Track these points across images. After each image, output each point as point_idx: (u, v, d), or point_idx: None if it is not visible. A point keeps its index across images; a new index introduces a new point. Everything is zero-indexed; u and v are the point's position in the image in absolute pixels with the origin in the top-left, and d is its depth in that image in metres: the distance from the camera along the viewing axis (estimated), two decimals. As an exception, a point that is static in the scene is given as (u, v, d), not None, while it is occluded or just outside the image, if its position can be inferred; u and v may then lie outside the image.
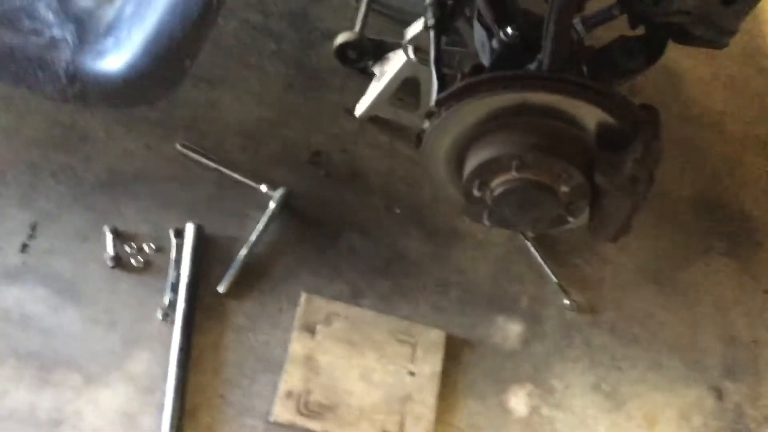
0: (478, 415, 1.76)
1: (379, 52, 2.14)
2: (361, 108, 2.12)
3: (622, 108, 1.36)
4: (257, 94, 2.10)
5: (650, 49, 1.56)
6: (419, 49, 1.96)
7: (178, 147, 1.91)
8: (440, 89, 1.49)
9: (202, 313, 1.71)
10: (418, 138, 1.47)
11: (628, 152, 1.33)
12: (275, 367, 1.68)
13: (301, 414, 1.62)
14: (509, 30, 1.41)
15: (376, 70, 2.13)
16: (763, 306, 2.13)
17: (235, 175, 1.89)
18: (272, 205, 1.85)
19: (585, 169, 1.37)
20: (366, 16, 2.21)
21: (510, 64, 1.41)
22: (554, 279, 1.98)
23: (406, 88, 2.07)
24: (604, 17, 1.58)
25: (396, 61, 2.05)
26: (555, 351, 1.90)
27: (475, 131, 1.40)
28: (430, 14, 1.61)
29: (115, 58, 1.14)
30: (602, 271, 2.08)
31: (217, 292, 1.73)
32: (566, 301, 1.96)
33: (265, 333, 1.73)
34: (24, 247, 1.69)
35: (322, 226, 1.92)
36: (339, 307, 1.78)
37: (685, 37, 1.52)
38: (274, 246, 1.85)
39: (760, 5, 1.51)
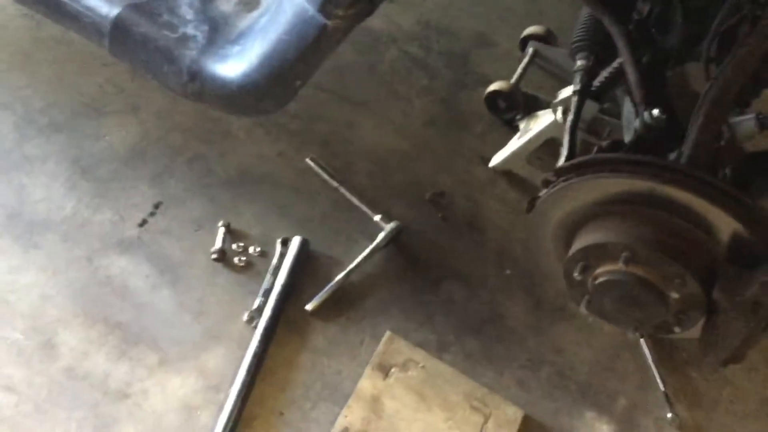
0: None
1: (530, 107, 2.08)
2: (497, 159, 2.06)
3: (761, 222, 1.21)
4: (397, 124, 2.10)
5: None
6: (568, 111, 1.88)
7: (308, 160, 1.94)
8: (568, 158, 1.41)
9: (286, 326, 1.71)
10: (531, 203, 1.38)
11: (758, 273, 1.17)
12: (340, 398, 1.64)
13: (352, 454, 1.57)
14: (655, 112, 1.30)
15: (522, 124, 2.06)
16: None
17: (354, 199, 1.90)
18: (381, 236, 1.83)
19: (704, 279, 1.22)
20: (526, 69, 2.15)
21: (649, 149, 1.30)
22: (661, 386, 1.80)
23: (547, 149, 1.99)
24: None
25: (543, 120, 1.97)
26: (643, 465, 1.72)
27: (590, 211, 1.30)
28: (577, 79, 1.53)
29: (235, 65, 1.17)
30: (720, 391, 1.86)
31: (305, 309, 1.73)
32: (669, 415, 1.77)
33: (340, 361, 1.70)
34: (143, 223, 1.79)
35: (425, 269, 1.87)
36: (420, 354, 1.72)
37: None
38: (373, 277, 1.83)
39: None
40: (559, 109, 1.89)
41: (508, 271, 1.91)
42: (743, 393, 1.86)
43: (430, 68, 2.23)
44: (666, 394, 1.79)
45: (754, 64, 1.14)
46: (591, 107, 1.65)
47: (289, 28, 1.13)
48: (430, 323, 1.80)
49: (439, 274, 1.87)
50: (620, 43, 1.35)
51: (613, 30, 1.36)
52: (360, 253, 1.81)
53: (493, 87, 2.13)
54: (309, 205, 1.90)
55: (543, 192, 1.36)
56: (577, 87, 1.54)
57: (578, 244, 1.31)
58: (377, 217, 1.86)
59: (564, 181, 1.30)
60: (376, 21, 2.27)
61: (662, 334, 1.35)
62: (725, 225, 1.22)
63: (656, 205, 1.24)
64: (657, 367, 1.82)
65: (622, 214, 1.27)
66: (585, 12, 1.57)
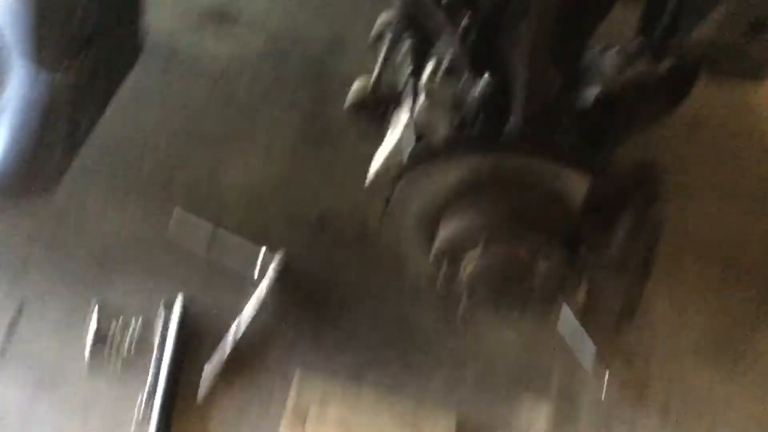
0: None
1: (397, 98, 1.98)
2: (376, 162, 1.96)
3: (609, 172, 1.13)
4: (266, 150, 1.98)
5: (674, 89, 1.32)
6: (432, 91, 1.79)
7: (175, 215, 1.80)
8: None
9: (185, 406, 1.58)
10: (384, 208, 1.29)
11: (619, 225, 1.10)
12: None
13: None
14: (485, 77, 1.21)
15: (393, 119, 1.96)
16: None
17: (234, 242, 1.77)
18: (268, 275, 1.72)
19: (569, 241, 1.14)
20: (386, 60, 2.06)
21: (492, 117, 1.21)
22: (594, 350, 1.72)
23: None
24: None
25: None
26: (591, 435, 1.65)
27: (441, 200, 1.21)
28: (407, 62, 1.43)
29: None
30: (653, 340, 1.80)
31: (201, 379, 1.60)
32: (607, 377, 1.70)
33: (254, 422, 1.58)
34: (9, 332, 1.63)
35: (325, 295, 1.77)
36: (336, 387, 1.61)
37: (715, 72, 1.28)
38: (271, 318, 1.71)
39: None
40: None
41: (410, 278, 1.81)
42: (676, 335, 1.81)
43: (289, 83, 2.12)
44: (600, 357, 1.71)
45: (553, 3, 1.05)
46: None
47: (23, 95, 1.01)
48: (342, 351, 1.69)
49: (340, 296, 1.77)
50: (437, 16, 1.27)
51: (428, 3, 1.27)
52: (249, 300, 1.69)
53: (355, 87, 2.03)
54: (186, 262, 1.76)
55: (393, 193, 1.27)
56: (410, 72, 1.45)
57: (438, 238, 1.22)
58: (261, 254, 1.74)
59: (407, 178, 1.21)
60: (222, 48, 2.16)
61: (548, 306, 1.27)
62: (576, 183, 1.14)
63: (504, 179, 1.16)
64: (585, 331, 1.74)
65: (472, 196, 1.18)
66: None
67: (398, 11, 1.47)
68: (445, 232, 1.20)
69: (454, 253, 1.22)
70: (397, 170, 1.24)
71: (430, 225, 1.25)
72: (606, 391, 1.68)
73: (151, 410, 1.53)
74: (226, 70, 2.10)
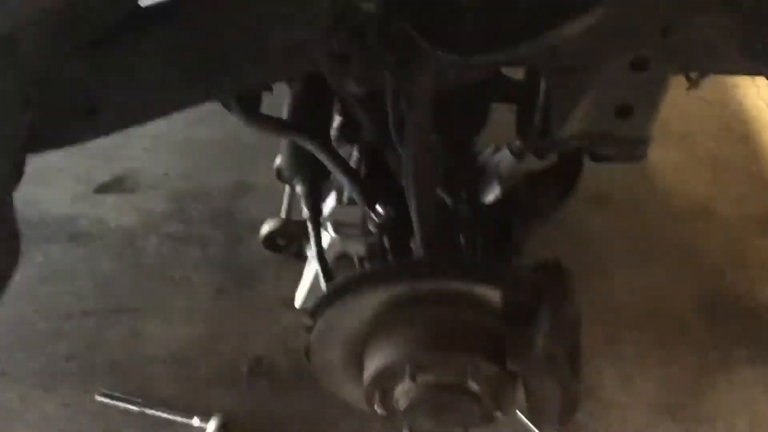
0: None
1: (308, 233, 1.99)
2: (299, 297, 1.94)
3: (514, 277, 1.15)
4: (185, 311, 1.93)
5: (563, 181, 1.37)
6: (340, 223, 1.80)
7: (98, 397, 1.72)
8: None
9: None
10: (306, 352, 1.26)
11: (536, 326, 1.11)
12: None
13: None
14: (378, 208, 1.24)
15: (309, 253, 1.96)
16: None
17: (163, 414, 1.69)
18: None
19: (495, 355, 1.14)
20: (292, 198, 2.08)
21: (394, 247, 1.23)
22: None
23: (344, 264, 1.89)
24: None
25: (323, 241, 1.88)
26: None
27: (362, 334, 1.19)
28: (304, 207, 1.46)
29: None
30: (607, 419, 1.78)
31: None
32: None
33: None
34: None
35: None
36: None
37: (597, 157, 1.33)
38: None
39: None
40: (329, 225, 1.81)
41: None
42: (629, 410, 1.80)
43: (197, 238, 2.10)
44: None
45: (428, 130, 1.09)
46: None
47: None
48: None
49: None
50: (323, 158, 1.30)
51: (312, 147, 1.30)
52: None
53: (265, 229, 2.03)
54: (119, 443, 1.67)
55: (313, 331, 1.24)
56: (308, 214, 1.47)
57: (365, 374, 1.20)
58: (195, 421, 1.66)
59: (324, 315, 1.19)
60: (126, 217, 2.14)
61: (490, 422, 1.24)
62: (489, 295, 1.15)
63: (418, 306, 1.16)
64: (536, 427, 1.71)
65: (390, 327, 1.17)
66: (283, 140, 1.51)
67: (287, 156, 1.49)
68: (370, 368, 1.18)
69: (384, 389, 1.20)
70: (314, 308, 1.22)
71: (356, 360, 1.22)
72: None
73: None
74: (132, 238, 2.08)
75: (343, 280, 1.20)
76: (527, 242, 1.41)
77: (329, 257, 1.87)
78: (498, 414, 1.21)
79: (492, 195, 1.54)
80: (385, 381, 1.17)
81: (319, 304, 1.20)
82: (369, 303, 1.16)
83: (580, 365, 1.16)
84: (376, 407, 1.19)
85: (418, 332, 1.15)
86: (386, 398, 1.19)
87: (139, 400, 1.70)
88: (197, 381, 1.79)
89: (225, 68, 1.07)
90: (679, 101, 2.03)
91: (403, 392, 1.17)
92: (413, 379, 1.14)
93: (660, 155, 2.41)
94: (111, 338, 1.85)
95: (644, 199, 2.33)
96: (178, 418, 1.67)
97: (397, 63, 0.99)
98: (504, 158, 1.59)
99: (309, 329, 1.23)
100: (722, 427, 1.77)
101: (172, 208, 2.15)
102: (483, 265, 1.15)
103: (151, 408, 1.69)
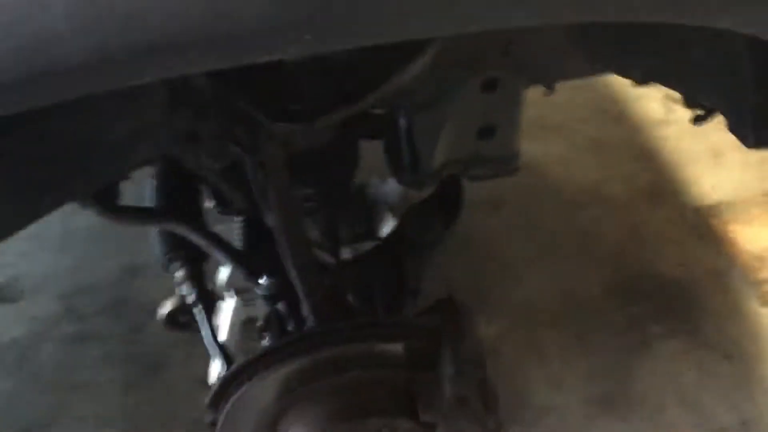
0: None
1: (210, 305, 1.91)
2: (213, 375, 1.85)
3: (407, 326, 1.13)
4: (95, 415, 1.81)
5: (446, 207, 1.36)
6: (240, 290, 1.74)
7: None
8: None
9: None
10: None
11: (440, 372, 1.08)
12: None
13: None
14: (261, 281, 1.20)
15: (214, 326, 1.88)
16: (733, 377, 1.85)
17: None
18: None
19: (408, 409, 1.11)
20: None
21: (291, 315, 1.18)
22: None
23: (251, 329, 1.83)
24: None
25: (225, 310, 1.81)
26: None
27: (270, 417, 1.14)
28: (187, 293, 1.39)
29: None
30: (543, 427, 1.78)
31: None
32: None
33: None
34: None
35: None
36: None
37: (473, 178, 1.33)
38: None
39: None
40: (229, 294, 1.74)
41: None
42: (564, 410, 1.80)
43: (95, 336, 1.99)
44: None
45: (288, 195, 1.06)
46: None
47: None
48: None
49: None
50: (195, 239, 1.24)
51: (183, 230, 1.24)
52: None
53: (164, 309, 1.93)
54: None
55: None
56: (192, 299, 1.41)
57: None
58: None
59: (229, 401, 1.13)
60: (15, 328, 2.00)
61: None
62: (391, 349, 1.12)
63: (319, 375, 1.11)
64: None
65: (295, 404, 1.12)
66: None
67: (159, 245, 1.42)
68: None
69: None
70: (211, 400, 1.15)
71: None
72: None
73: None
74: (24, 351, 1.94)
75: (235, 368, 1.14)
76: (423, 276, 1.39)
77: (235, 324, 1.81)
78: None
79: (387, 226, 1.52)
80: None
81: (215, 396, 1.14)
82: (268, 385, 1.11)
83: (494, 397, 1.14)
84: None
85: (325, 405, 1.10)
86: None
87: None
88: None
89: (71, 172, 1.00)
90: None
91: None
92: None
93: (542, 149, 2.46)
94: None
95: (536, 195, 2.36)
96: None
97: (244, 137, 0.95)
98: (391, 188, 1.58)
99: (212, 424, 1.16)
100: (653, 404, 1.80)
101: (61, 311, 2.03)
102: (375, 323, 1.12)
103: None
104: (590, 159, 2.46)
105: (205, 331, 1.38)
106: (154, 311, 1.98)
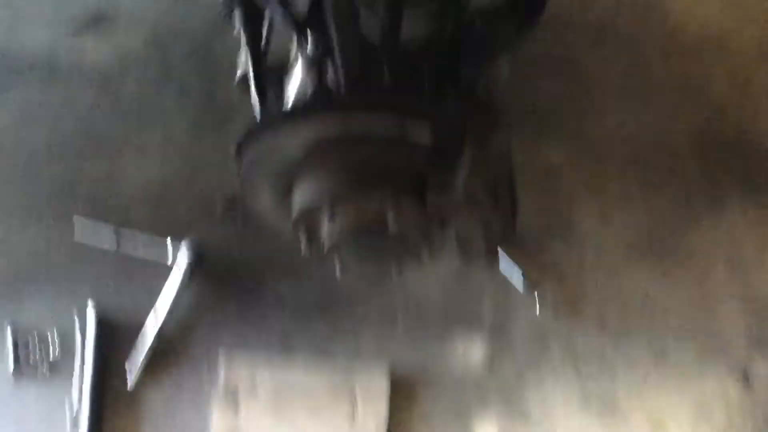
0: (438, 461, 1.51)
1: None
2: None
3: (437, 117, 1.09)
4: (162, 144, 1.93)
5: (522, 12, 1.27)
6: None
7: (77, 223, 1.76)
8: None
9: (113, 409, 1.56)
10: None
11: (458, 166, 1.06)
12: (198, 451, 1.50)
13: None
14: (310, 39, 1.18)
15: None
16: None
17: (140, 237, 1.73)
18: (181, 260, 1.67)
19: (416, 192, 1.10)
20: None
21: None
22: (521, 276, 1.68)
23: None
24: None
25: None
26: (529, 369, 1.61)
27: (290, 165, 1.16)
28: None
29: None
30: (582, 253, 1.76)
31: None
32: (537, 302, 1.66)
33: (185, 413, 1.56)
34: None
35: (243, 279, 1.73)
36: (263, 366, 1.58)
37: None
38: (191, 307, 1.67)
39: None
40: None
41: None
42: (606, 243, 1.76)
43: (177, 73, 2.04)
44: (528, 281, 1.67)
45: None
46: None
47: None
48: (268, 328, 1.66)
49: (259, 278, 1.73)
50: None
51: None
52: (165, 294, 1.65)
53: (240, 69, 1.96)
54: (97, 267, 1.73)
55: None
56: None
57: (293, 205, 1.18)
58: (168, 244, 1.70)
59: (254, 143, 1.16)
60: (104, 50, 2.08)
61: (418, 262, 1.23)
62: (418, 129, 1.09)
63: (345, 138, 1.11)
64: (510, 258, 1.69)
65: (317, 159, 1.13)
66: None
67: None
68: (297, 199, 1.16)
69: (310, 221, 1.18)
70: (238, 143, 1.19)
71: (285, 190, 1.20)
72: (540, 310, 1.64)
73: (81, 409, 1.52)
74: (110, 72, 2.04)
75: (265, 118, 1.15)
76: (480, 79, 1.32)
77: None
78: (425, 254, 1.20)
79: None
80: (311, 211, 1.15)
81: (243, 140, 1.17)
82: (299, 133, 1.13)
83: (511, 200, 1.12)
84: (302, 249, 1.18)
85: (342, 163, 1.11)
86: (313, 228, 1.18)
87: (115, 228, 1.73)
88: (173, 220, 1.80)
89: None
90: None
91: (326, 233, 1.15)
92: (335, 207, 1.12)
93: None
94: (91, 168, 1.88)
95: (649, 31, 2.17)
96: (153, 237, 1.70)
97: None
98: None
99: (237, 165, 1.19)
100: (700, 264, 1.73)
101: (151, 43, 2.09)
102: (414, 98, 1.10)
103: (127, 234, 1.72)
104: (721, 4, 2.21)
105: (252, 72, 1.38)
106: (235, 64, 2.03)
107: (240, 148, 1.18)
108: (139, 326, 1.63)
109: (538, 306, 1.65)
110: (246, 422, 1.51)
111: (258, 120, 1.25)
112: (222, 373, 1.56)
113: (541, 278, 1.69)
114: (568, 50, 2.11)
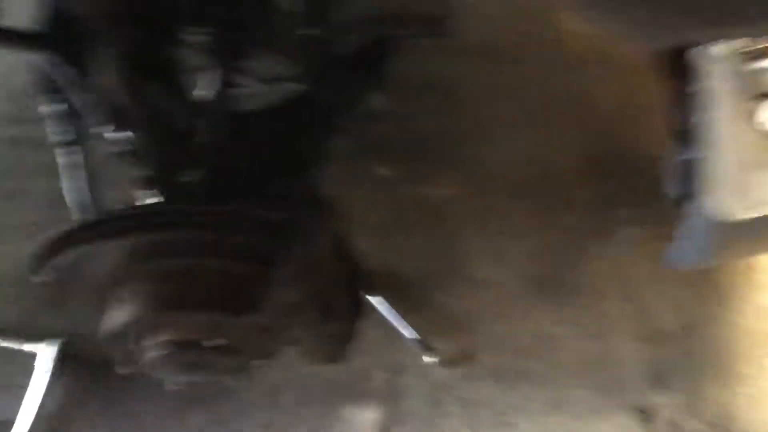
0: None
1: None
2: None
3: (249, 218, 1.00)
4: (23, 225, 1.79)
5: (366, 68, 1.19)
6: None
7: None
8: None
9: None
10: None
11: (276, 274, 0.97)
12: None
13: None
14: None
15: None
16: (687, 276, 1.71)
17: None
18: (39, 365, 1.55)
19: (235, 306, 1.01)
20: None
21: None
22: (409, 334, 1.61)
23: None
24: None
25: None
26: (425, 427, 1.54)
27: (106, 281, 1.05)
28: None
29: None
30: (474, 300, 1.70)
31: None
32: (427, 358, 1.59)
33: None
34: None
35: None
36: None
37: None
38: (59, 412, 1.55)
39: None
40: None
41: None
42: (498, 288, 1.71)
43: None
44: (418, 340, 1.61)
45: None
46: None
47: None
48: (141, 425, 1.54)
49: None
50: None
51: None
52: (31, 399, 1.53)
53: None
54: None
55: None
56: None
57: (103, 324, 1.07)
58: (27, 347, 1.57)
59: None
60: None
61: (247, 372, 1.14)
62: (230, 241, 1.00)
63: (152, 256, 1.01)
64: (398, 316, 1.63)
65: (124, 279, 1.03)
66: None
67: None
68: (110, 318, 1.05)
69: (126, 339, 1.07)
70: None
71: (100, 303, 1.09)
72: (433, 367, 1.58)
73: None
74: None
75: (64, 232, 1.04)
76: (332, 144, 1.24)
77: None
78: (255, 363, 1.11)
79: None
80: (119, 341, 1.05)
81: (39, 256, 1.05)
82: (97, 256, 1.02)
83: (339, 306, 1.03)
84: (116, 367, 1.08)
85: (155, 288, 1.01)
86: (127, 357, 1.08)
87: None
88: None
89: None
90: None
91: (137, 356, 1.05)
92: (138, 346, 1.02)
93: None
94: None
95: (537, 46, 2.12)
96: (11, 345, 1.58)
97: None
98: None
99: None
100: (594, 295, 1.69)
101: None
102: (213, 211, 1.00)
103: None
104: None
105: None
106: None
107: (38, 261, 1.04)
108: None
109: (429, 361, 1.58)
110: None
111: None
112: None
113: (432, 330, 1.62)
114: (453, 75, 2.05)
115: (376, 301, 1.63)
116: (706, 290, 1.68)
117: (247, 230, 0.97)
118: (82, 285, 1.07)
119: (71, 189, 1.24)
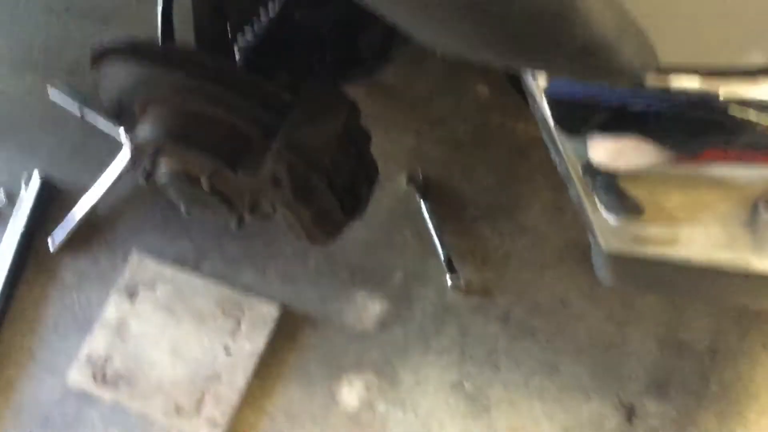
0: (298, 403, 1.58)
1: None
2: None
3: (262, 86, 1.05)
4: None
5: None
6: None
7: (49, 87, 1.85)
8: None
9: (35, 266, 1.70)
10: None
11: (271, 144, 1.04)
12: (90, 328, 1.63)
13: (96, 380, 1.56)
14: None
15: None
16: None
17: (99, 119, 1.80)
18: (124, 153, 1.74)
19: (234, 160, 1.09)
20: None
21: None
22: (441, 250, 1.67)
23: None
24: None
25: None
26: (418, 338, 1.62)
27: (137, 95, 1.15)
28: None
29: None
30: (514, 245, 1.70)
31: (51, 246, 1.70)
32: (449, 280, 1.65)
33: (90, 291, 1.68)
34: None
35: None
36: (167, 270, 1.67)
37: None
38: (124, 199, 1.76)
39: None
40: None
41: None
42: (542, 241, 1.70)
43: None
44: (447, 259, 1.66)
45: None
46: None
47: None
48: (186, 236, 1.73)
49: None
50: None
51: None
52: (107, 176, 1.74)
53: None
54: (57, 138, 1.83)
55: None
56: None
57: (133, 134, 1.18)
58: (121, 132, 1.76)
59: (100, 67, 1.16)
60: None
61: (241, 221, 1.22)
62: (243, 102, 1.07)
63: (187, 92, 1.10)
64: (439, 230, 1.68)
65: (157, 101, 1.13)
66: None
67: None
68: (138, 130, 1.16)
69: (147, 160, 1.18)
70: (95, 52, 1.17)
71: (130, 117, 1.20)
72: (451, 286, 1.63)
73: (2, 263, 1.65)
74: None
75: (110, 44, 1.14)
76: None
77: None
78: (246, 216, 1.20)
79: None
80: (142, 155, 1.17)
81: (94, 58, 1.16)
82: (126, 74, 1.13)
83: (323, 196, 1.09)
84: (138, 177, 1.20)
85: (174, 119, 1.11)
86: (149, 171, 1.19)
87: (83, 99, 1.81)
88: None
89: None
90: None
91: (163, 166, 1.16)
92: (154, 163, 1.13)
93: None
94: (76, 39, 1.93)
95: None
96: (108, 127, 1.78)
97: None
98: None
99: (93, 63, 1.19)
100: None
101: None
102: (236, 71, 1.07)
103: (90, 111, 1.80)
104: None
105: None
106: None
107: (93, 61, 1.16)
108: (79, 197, 1.73)
109: (449, 280, 1.63)
110: (137, 314, 1.62)
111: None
112: (128, 267, 1.66)
113: (464, 256, 1.66)
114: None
115: (425, 207, 1.69)
116: (750, 325, 1.60)
117: (260, 99, 1.05)
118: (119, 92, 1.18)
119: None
